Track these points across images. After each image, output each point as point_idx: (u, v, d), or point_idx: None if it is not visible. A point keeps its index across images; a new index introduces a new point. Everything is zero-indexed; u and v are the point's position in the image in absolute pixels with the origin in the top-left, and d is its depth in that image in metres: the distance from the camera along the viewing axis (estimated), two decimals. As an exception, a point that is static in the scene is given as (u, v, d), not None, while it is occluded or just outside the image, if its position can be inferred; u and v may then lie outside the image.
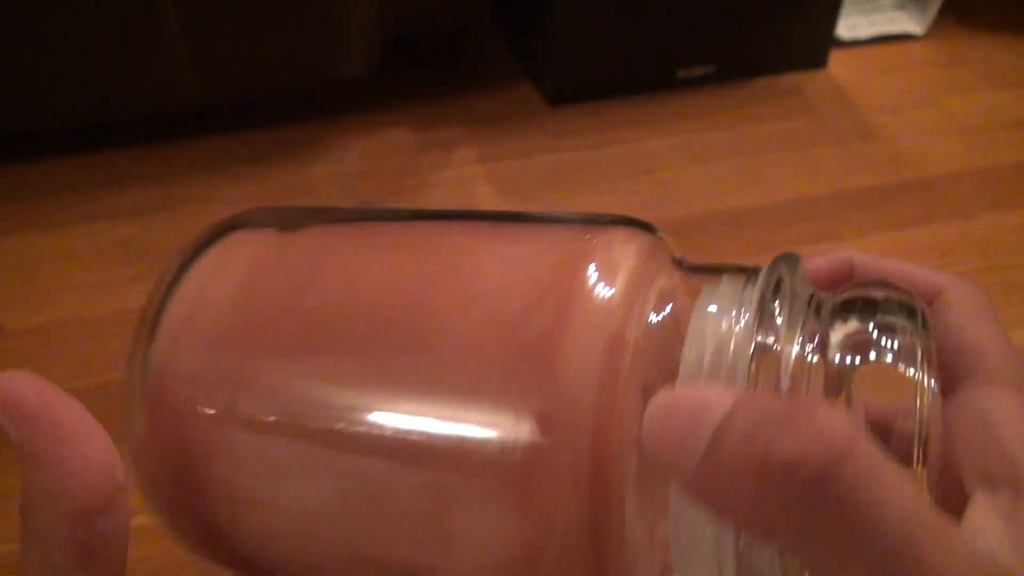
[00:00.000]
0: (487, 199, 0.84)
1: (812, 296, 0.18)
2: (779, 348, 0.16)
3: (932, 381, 0.16)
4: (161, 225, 0.80)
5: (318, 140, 0.92)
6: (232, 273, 0.19)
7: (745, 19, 0.98)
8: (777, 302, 0.17)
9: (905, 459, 0.16)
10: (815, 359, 0.17)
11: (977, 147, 0.92)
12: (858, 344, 0.16)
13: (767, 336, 0.16)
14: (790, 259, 0.18)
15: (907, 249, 0.78)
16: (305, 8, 0.81)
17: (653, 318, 0.17)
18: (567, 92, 0.97)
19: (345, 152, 0.90)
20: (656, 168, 0.88)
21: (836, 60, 1.06)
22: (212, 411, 0.18)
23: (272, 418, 0.18)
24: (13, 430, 0.17)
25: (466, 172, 0.87)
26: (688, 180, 0.87)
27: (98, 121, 0.88)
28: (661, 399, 0.14)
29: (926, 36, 1.12)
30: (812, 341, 0.17)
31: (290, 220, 0.21)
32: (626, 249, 0.18)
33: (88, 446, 0.17)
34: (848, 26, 1.10)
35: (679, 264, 0.20)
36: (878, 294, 0.18)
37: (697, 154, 0.90)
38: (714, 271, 0.19)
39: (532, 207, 0.83)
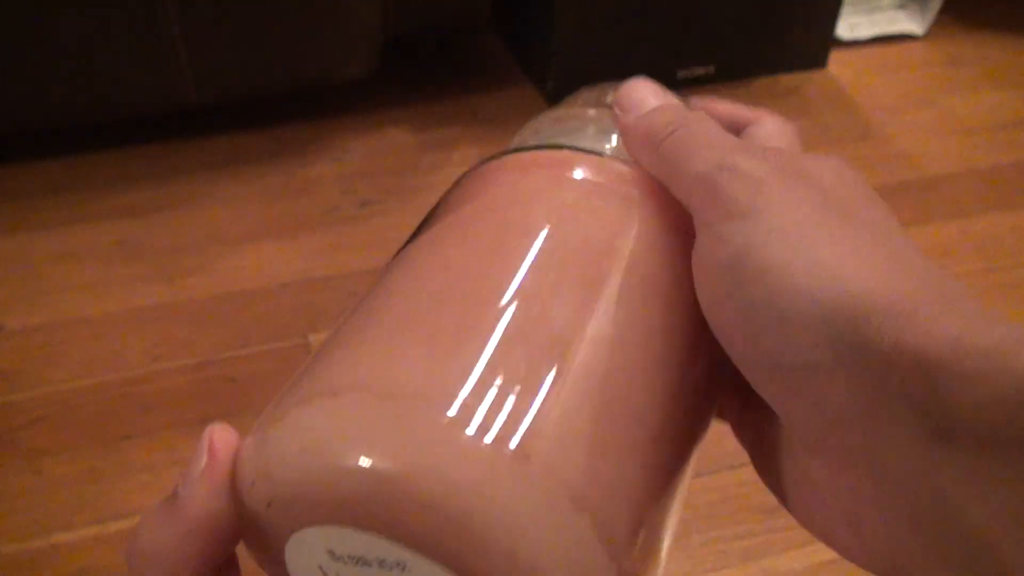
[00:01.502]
0: (487, 199, 0.84)
1: None
2: None
3: None
4: (161, 225, 0.80)
5: (318, 140, 0.92)
6: None
7: (745, 19, 0.98)
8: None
9: None
10: None
11: (977, 147, 0.92)
12: None
13: None
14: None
15: (907, 249, 0.78)
16: (305, 8, 0.81)
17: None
18: (567, 92, 0.97)
19: (345, 152, 0.90)
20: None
21: (836, 60, 1.06)
22: None
23: None
24: (198, 464, 0.18)
25: (466, 172, 0.87)
26: (688, 180, 0.87)
27: (98, 121, 0.88)
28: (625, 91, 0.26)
29: (926, 36, 1.12)
30: None
31: None
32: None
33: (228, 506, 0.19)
34: (848, 26, 1.10)
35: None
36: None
37: (697, 154, 0.90)
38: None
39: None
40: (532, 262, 0.20)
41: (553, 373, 0.18)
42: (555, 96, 0.97)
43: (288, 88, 0.90)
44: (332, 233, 0.79)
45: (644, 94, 0.25)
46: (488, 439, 0.17)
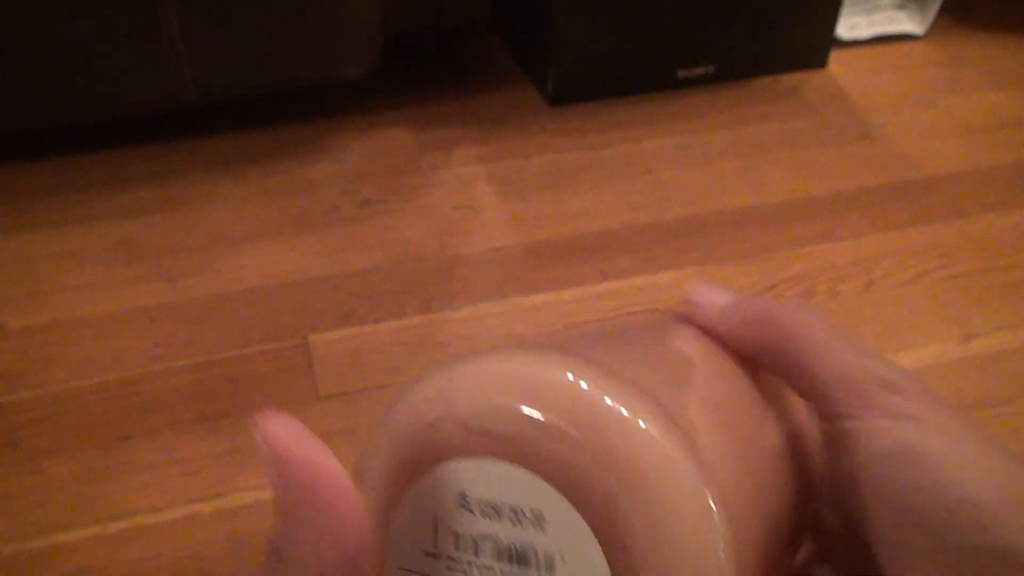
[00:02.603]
0: (487, 199, 0.84)
1: None
2: None
3: None
4: (161, 225, 0.80)
5: (318, 140, 0.92)
6: None
7: (745, 19, 0.98)
8: None
9: None
10: None
11: (977, 147, 0.92)
12: None
13: None
14: None
15: (907, 249, 0.78)
16: (305, 8, 0.81)
17: None
18: (567, 92, 0.97)
19: (345, 152, 0.90)
20: (656, 168, 0.88)
21: (836, 60, 1.06)
22: None
23: None
24: (276, 479, 0.17)
25: (466, 172, 0.87)
26: (688, 180, 0.87)
27: (98, 121, 0.88)
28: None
29: (926, 36, 1.12)
30: None
31: None
32: None
33: (345, 505, 0.17)
34: (848, 26, 1.10)
35: None
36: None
37: (697, 154, 0.90)
38: None
39: (532, 207, 0.83)
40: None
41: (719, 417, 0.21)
42: (555, 96, 0.97)
43: (288, 88, 0.90)
44: (332, 233, 0.79)
45: (715, 290, 0.26)
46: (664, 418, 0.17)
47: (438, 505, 0.18)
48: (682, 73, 1.00)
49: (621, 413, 0.16)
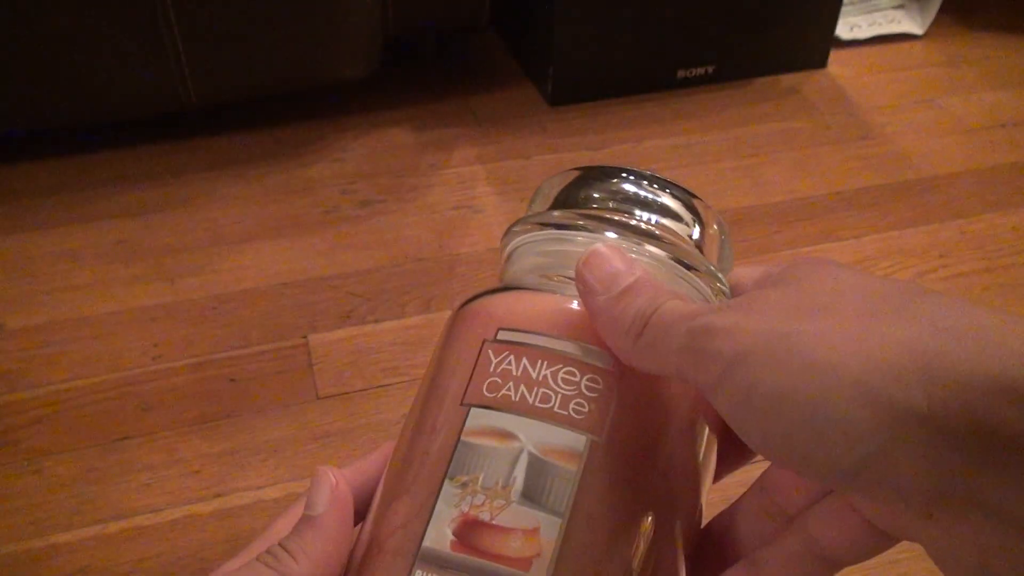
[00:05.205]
0: (487, 199, 0.84)
1: None
2: None
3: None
4: (161, 225, 0.80)
5: (318, 140, 0.92)
6: None
7: (745, 19, 0.98)
8: None
9: None
10: None
11: (977, 147, 0.92)
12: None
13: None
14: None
15: (907, 249, 0.78)
16: (305, 8, 0.81)
17: None
18: (567, 92, 0.97)
19: (345, 152, 0.90)
20: (656, 168, 0.88)
21: (836, 60, 1.06)
22: None
23: None
24: (319, 509, 0.25)
25: (466, 172, 0.87)
26: (688, 180, 0.87)
27: (98, 121, 0.88)
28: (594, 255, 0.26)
29: (926, 36, 1.12)
30: None
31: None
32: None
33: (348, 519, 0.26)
34: (848, 26, 1.10)
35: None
36: None
37: (697, 154, 0.90)
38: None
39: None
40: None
41: None
42: (555, 96, 0.97)
43: (288, 88, 0.90)
44: (332, 233, 0.79)
45: (612, 268, 0.25)
46: None
47: None
48: (682, 73, 1.00)
49: None
